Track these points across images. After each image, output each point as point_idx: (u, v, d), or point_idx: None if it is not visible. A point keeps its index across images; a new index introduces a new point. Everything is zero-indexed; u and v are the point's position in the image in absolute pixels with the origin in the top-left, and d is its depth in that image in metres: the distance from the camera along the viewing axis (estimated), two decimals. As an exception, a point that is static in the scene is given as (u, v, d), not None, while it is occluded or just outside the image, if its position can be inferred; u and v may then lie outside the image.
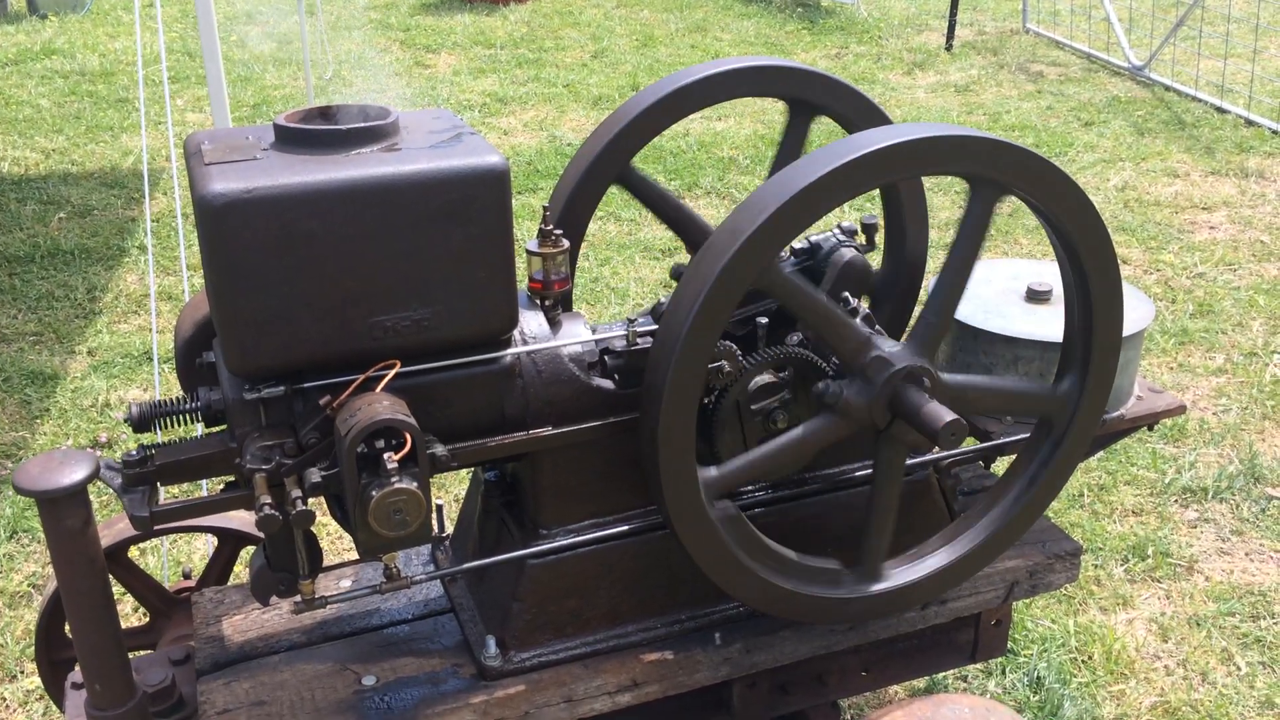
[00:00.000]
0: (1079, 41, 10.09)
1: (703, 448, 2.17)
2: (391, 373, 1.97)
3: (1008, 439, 2.56)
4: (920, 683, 3.22)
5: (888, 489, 2.25)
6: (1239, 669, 3.33)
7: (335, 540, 3.90)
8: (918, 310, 2.44)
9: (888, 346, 2.15)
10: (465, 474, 3.92)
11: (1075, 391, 2.32)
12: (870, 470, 2.42)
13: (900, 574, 2.34)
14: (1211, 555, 3.81)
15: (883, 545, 2.30)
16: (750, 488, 2.39)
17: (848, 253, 2.38)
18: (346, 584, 2.48)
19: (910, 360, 2.13)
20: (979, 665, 3.26)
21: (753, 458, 2.16)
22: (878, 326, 2.22)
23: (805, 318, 2.13)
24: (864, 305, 2.31)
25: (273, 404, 1.97)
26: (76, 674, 2.35)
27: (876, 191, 2.49)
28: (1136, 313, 2.59)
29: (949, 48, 10.20)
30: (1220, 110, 8.19)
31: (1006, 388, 2.39)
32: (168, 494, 2.66)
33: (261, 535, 2.00)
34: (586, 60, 10.17)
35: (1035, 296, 2.67)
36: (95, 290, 5.83)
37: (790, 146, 2.62)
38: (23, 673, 3.41)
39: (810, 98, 2.56)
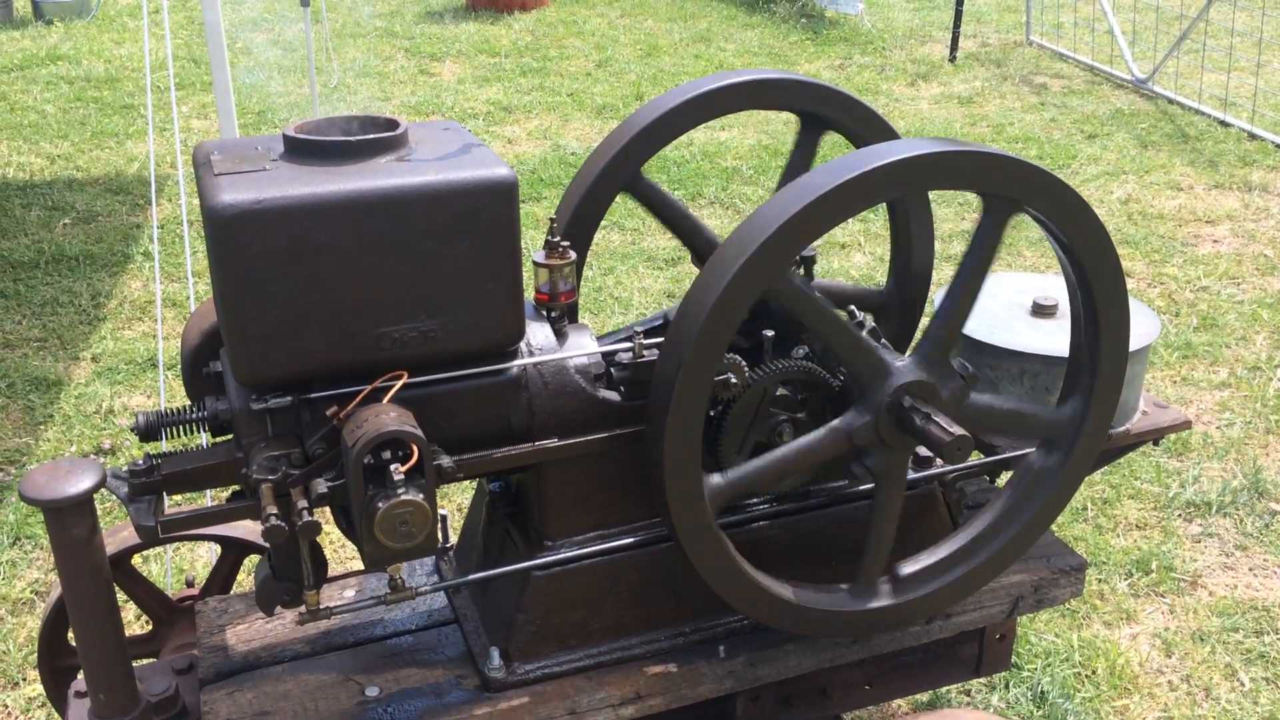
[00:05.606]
0: (1082, 54, 10.10)
1: (708, 460, 2.17)
2: (399, 384, 1.97)
3: (1013, 453, 2.56)
4: (923, 696, 3.21)
5: (891, 498, 2.24)
6: (1242, 684, 3.33)
7: (339, 549, 3.90)
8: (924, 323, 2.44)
9: (894, 361, 2.15)
10: (469, 484, 3.92)
11: (1081, 408, 2.31)
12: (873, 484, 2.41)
13: (906, 588, 2.34)
14: (1215, 570, 3.81)
15: (883, 559, 2.29)
16: (754, 501, 2.39)
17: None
18: (351, 594, 2.47)
19: (915, 375, 2.14)
20: (982, 680, 3.26)
21: (759, 465, 2.16)
22: (883, 340, 2.22)
23: (817, 330, 2.12)
24: (869, 319, 2.31)
25: (280, 414, 1.97)
26: (79, 682, 2.35)
27: (882, 204, 2.49)
28: (1142, 328, 2.59)
29: (953, 59, 10.21)
30: (1223, 124, 8.20)
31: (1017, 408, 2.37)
32: (171, 502, 2.66)
33: (266, 545, 2.00)
34: (591, 69, 10.18)
35: (1041, 311, 2.67)
36: (100, 296, 5.84)
37: (799, 160, 2.63)
38: (25, 680, 3.41)
39: (818, 111, 2.56)
